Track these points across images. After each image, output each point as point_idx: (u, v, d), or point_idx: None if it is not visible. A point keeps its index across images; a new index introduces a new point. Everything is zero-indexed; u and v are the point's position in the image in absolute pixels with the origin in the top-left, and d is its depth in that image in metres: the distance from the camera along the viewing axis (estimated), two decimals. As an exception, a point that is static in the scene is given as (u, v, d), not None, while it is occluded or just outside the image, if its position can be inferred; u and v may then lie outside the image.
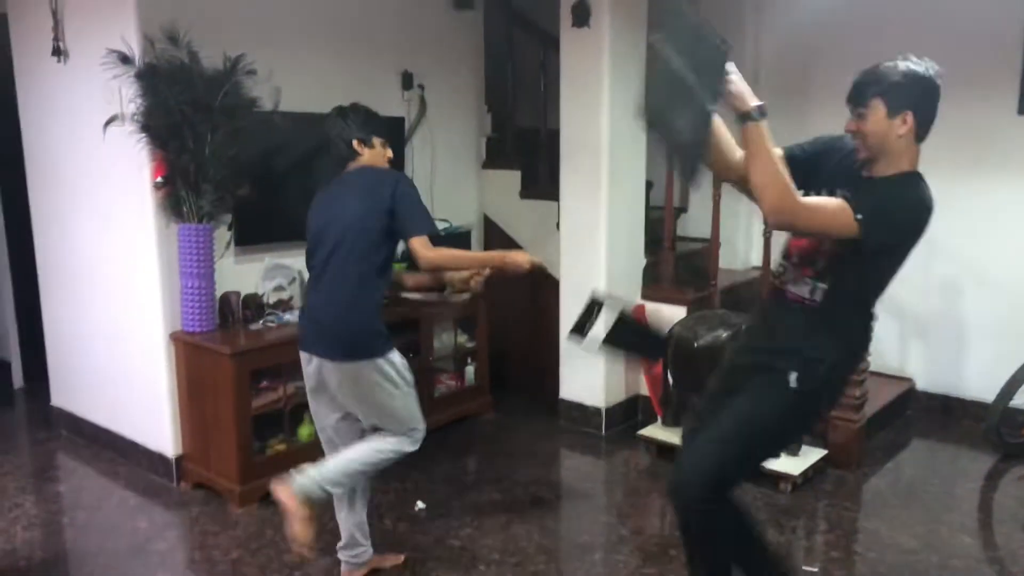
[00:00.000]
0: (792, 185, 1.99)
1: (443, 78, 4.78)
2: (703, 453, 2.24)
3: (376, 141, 2.83)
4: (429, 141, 4.74)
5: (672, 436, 4.02)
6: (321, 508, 2.76)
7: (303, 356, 2.82)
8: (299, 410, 3.70)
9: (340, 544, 2.95)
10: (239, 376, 3.43)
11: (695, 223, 5.13)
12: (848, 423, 3.88)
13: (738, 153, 2.16)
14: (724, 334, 3.78)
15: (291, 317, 3.77)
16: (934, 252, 4.32)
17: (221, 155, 3.47)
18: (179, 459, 3.74)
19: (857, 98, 2.12)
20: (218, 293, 3.68)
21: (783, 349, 2.24)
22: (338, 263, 2.70)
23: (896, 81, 2.07)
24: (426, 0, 4.64)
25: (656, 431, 4.14)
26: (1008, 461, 3.97)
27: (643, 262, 4.53)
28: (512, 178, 4.95)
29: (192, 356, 3.60)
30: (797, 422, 2.39)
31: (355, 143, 2.79)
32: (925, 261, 4.45)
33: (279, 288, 3.93)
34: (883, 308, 4.11)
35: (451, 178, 4.91)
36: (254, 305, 3.80)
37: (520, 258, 2.85)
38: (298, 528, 2.58)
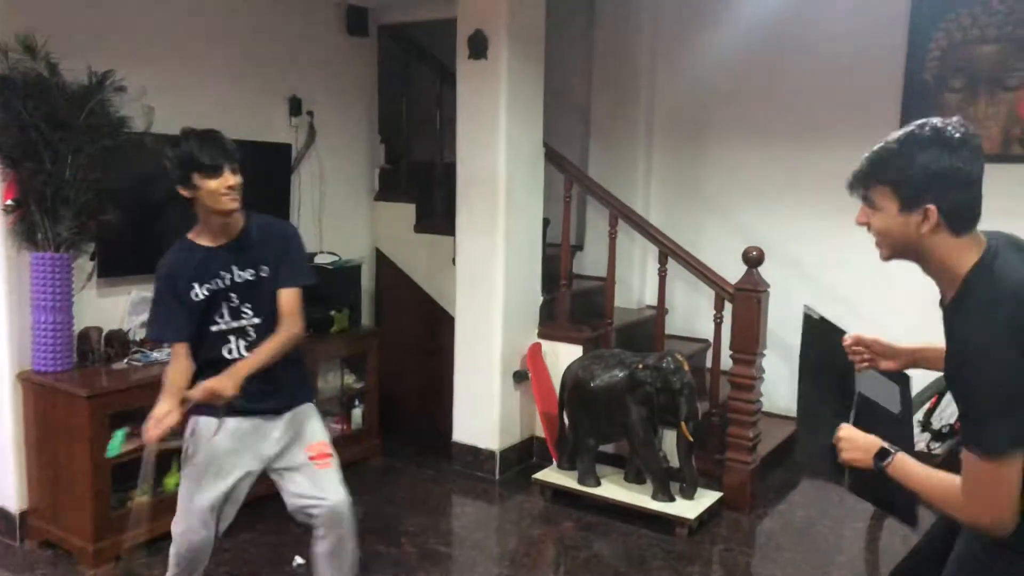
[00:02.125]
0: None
1: (334, 106, 4.59)
2: None
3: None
4: (318, 170, 4.52)
5: (567, 480, 3.90)
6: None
7: None
8: (165, 458, 3.37)
9: None
10: (97, 421, 3.11)
11: (591, 261, 5.09)
12: (742, 465, 3.85)
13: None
14: (620, 374, 3.70)
15: (159, 355, 3.47)
16: (823, 296, 4.42)
17: (83, 178, 3.19)
18: (23, 514, 3.35)
19: (858, 184, 1.64)
20: (77, 329, 3.36)
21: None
22: None
23: (908, 164, 1.54)
24: (318, 23, 4.46)
25: (551, 475, 4.00)
26: (893, 500, 4.04)
27: (539, 300, 4.43)
28: (406, 211, 4.79)
29: (43, 399, 3.25)
30: None
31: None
32: (814, 304, 4.52)
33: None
34: (776, 350, 4.19)
35: (341, 210, 4.70)
36: (118, 342, 3.48)
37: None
38: None
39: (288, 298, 2.43)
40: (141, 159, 3.40)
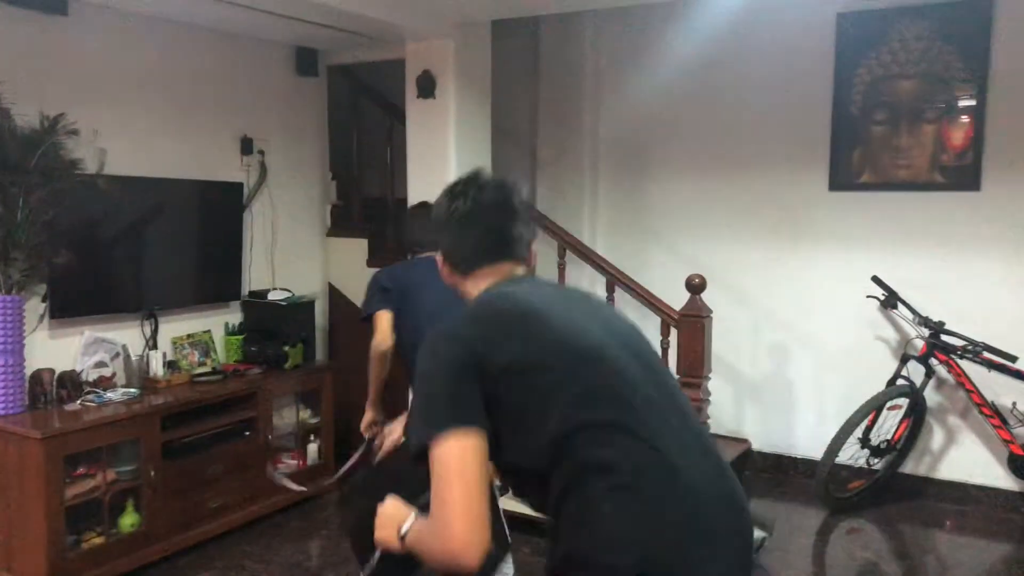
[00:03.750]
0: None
1: (285, 144, 4.66)
2: None
3: None
4: (270, 207, 4.57)
5: (520, 506, 3.96)
6: None
7: None
8: (120, 498, 3.38)
9: None
10: (50, 462, 3.10)
11: (542, 291, 5.20)
12: (692, 485, 3.96)
13: None
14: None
15: (113, 395, 3.47)
16: (764, 320, 4.62)
17: (36, 220, 3.20)
18: (-26, 561, 3.30)
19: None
20: (28, 371, 3.34)
21: None
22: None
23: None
24: (268, 64, 4.55)
25: (504, 502, 4.06)
26: (837, 515, 4.18)
27: (492, 331, 4.51)
28: (359, 246, 4.86)
29: (-5, 442, 3.22)
30: None
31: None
32: (755, 329, 4.72)
33: (101, 364, 3.62)
34: (720, 373, 4.34)
35: (293, 246, 4.75)
36: (71, 383, 3.47)
37: None
38: None
39: None
40: (94, 200, 3.43)
